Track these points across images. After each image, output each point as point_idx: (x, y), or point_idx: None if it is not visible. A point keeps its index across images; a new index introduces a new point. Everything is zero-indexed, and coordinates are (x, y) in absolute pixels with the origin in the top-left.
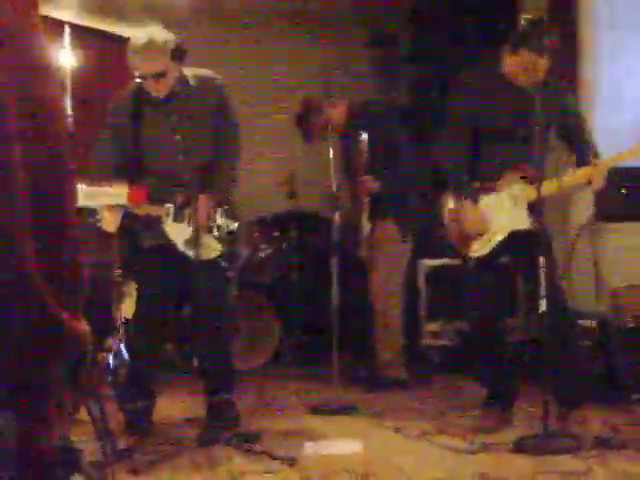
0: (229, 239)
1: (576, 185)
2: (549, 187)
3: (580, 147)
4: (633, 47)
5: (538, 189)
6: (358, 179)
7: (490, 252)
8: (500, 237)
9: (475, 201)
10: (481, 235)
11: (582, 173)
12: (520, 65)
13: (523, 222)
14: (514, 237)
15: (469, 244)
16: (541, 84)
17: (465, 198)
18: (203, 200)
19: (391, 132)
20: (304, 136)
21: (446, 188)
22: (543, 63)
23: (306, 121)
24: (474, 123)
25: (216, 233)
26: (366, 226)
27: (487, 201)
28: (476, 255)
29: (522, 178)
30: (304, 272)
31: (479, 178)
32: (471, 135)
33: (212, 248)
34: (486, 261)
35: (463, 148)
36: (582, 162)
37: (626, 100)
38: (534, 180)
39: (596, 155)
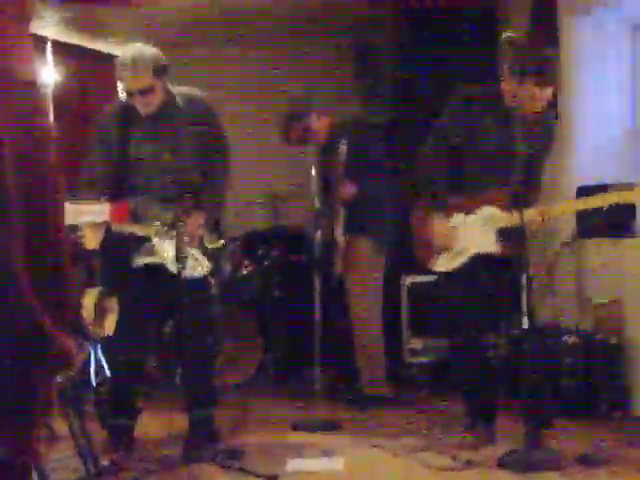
0: (215, 256)
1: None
2: (532, 214)
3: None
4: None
5: (520, 215)
6: (334, 188)
7: (454, 270)
8: (465, 257)
9: (446, 216)
10: (445, 251)
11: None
12: (523, 95)
13: (489, 246)
14: (479, 259)
15: (430, 258)
16: (537, 115)
17: (437, 211)
18: (195, 217)
19: (370, 149)
20: (283, 138)
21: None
22: (544, 94)
23: (287, 123)
24: (457, 142)
25: (203, 250)
26: (341, 241)
27: (458, 220)
28: (440, 270)
29: (497, 203)
30: (287, 289)
31: (462, 195)
32: (452, 154)
33: (200, 265)
34: (451, 277)
35: (444, 164)
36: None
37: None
38: (509, 206)
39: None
